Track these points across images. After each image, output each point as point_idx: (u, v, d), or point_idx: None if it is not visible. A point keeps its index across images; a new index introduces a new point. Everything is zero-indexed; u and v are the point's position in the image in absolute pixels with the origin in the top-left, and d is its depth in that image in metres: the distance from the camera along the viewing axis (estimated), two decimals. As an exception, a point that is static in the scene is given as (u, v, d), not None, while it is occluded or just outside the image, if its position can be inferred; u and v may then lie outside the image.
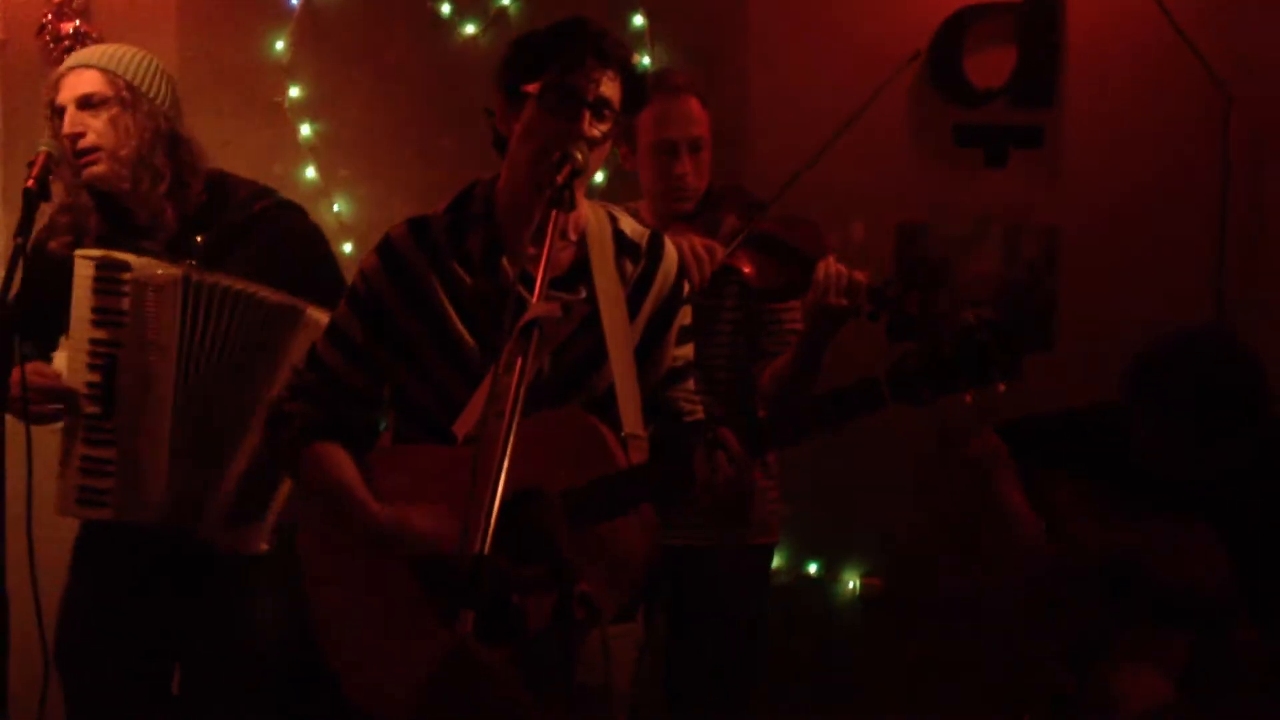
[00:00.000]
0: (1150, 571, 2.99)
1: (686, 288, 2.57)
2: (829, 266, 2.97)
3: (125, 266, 2.91)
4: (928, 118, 4.18)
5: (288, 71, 4.18)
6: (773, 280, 3.16)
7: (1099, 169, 4.16)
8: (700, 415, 2.54)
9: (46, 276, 2.95)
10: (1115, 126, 4.14)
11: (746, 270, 3.17)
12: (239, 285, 2.95)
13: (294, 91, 4.19)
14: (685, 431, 2.45)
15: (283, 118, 4.17)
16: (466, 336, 2.38)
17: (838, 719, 4.12)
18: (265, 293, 2.96)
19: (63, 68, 2.98)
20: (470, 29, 4.16)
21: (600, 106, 2.31)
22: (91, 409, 2.93)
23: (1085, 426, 3.18)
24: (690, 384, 2.55)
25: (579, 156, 2.25)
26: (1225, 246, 4.10)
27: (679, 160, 3.23)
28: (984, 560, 3.73)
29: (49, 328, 2.96)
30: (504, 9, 4.16)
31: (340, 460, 2.41)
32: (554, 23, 2.37)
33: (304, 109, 4.20)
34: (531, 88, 2.32)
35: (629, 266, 2.45)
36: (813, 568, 4.21)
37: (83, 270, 2.89)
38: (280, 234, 3.08)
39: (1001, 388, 2.24)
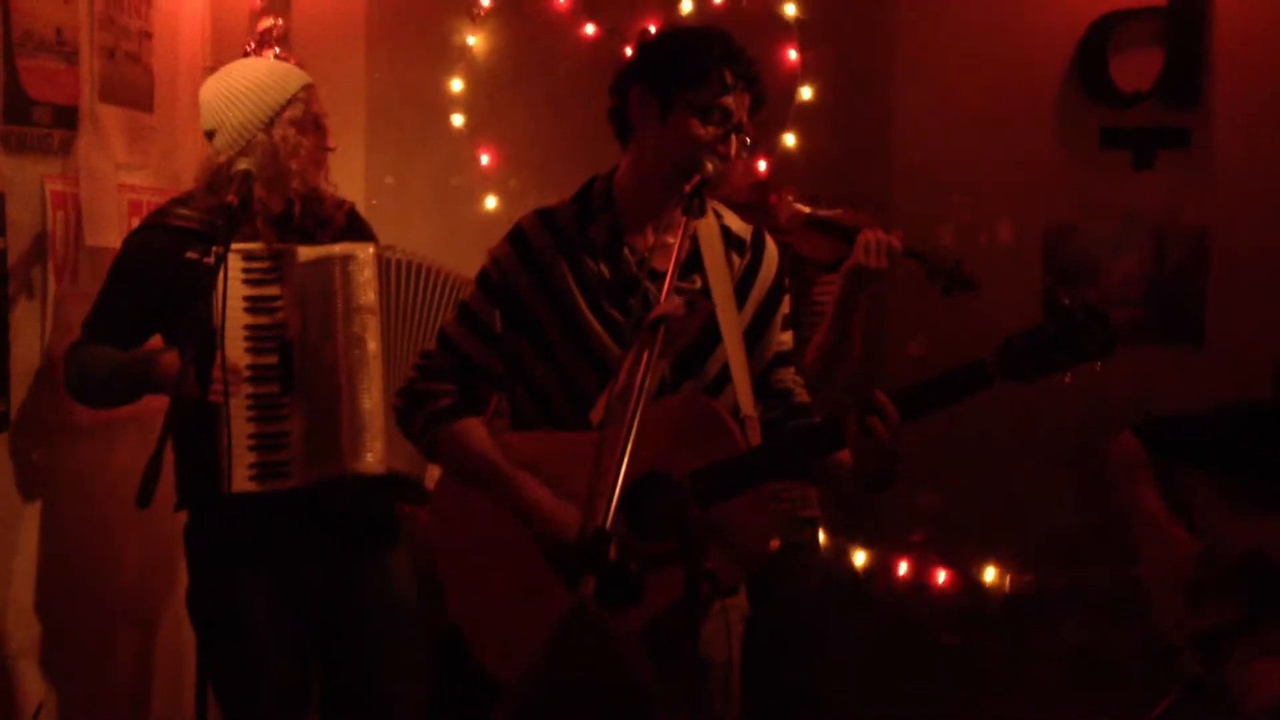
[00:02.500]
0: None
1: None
2: (870, 233, 3.27)
3: (280, 256, 3.11)
4: (1075, 120, 4.25)
5: (459, 101, 4.41)
6: (831, 254, 3.44)
7: (1247, 169, 4.18)
8: (805, 397, 2.67)
9: (176, 275, 3.05)
10: (1264, 127, 4.16)
11: (804, 249, 3.46)
12: (419, 260, 3.21)
13: (462, 118, 4.42)
14: (801, 411, 2.61)
15: (459, 139, 4.40)
16: (594, 323, 2.52)
17: (986, 709, 4.19)
18: (438, 266, 3.23)
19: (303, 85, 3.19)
20: (628, 51, 4.26)
21: (744, 130, 2.48)
22: (266, 389, 3.07)
23: (1225, 424, 3.16)
24: (793, 368, 2.68)
25: (710, 168, 2.42)
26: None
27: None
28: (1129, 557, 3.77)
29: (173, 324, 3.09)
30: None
31: (483, 436, 2.55)
32: (708, 34, 2.48)
33: (478, 131, 4.42)
34: (682, 96, 2.43)
35: (736, 259, 2.60)
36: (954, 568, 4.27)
37: (235, 265, 3.02)
38: (369, 232, 3.33)
39: (1098, 366, 2.32)
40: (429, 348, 2.67)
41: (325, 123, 3.21)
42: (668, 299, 2.27)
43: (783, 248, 2.74)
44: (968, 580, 4.28)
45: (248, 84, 3.13)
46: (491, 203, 4.39)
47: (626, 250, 2.55)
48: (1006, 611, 4.24)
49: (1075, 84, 4.24)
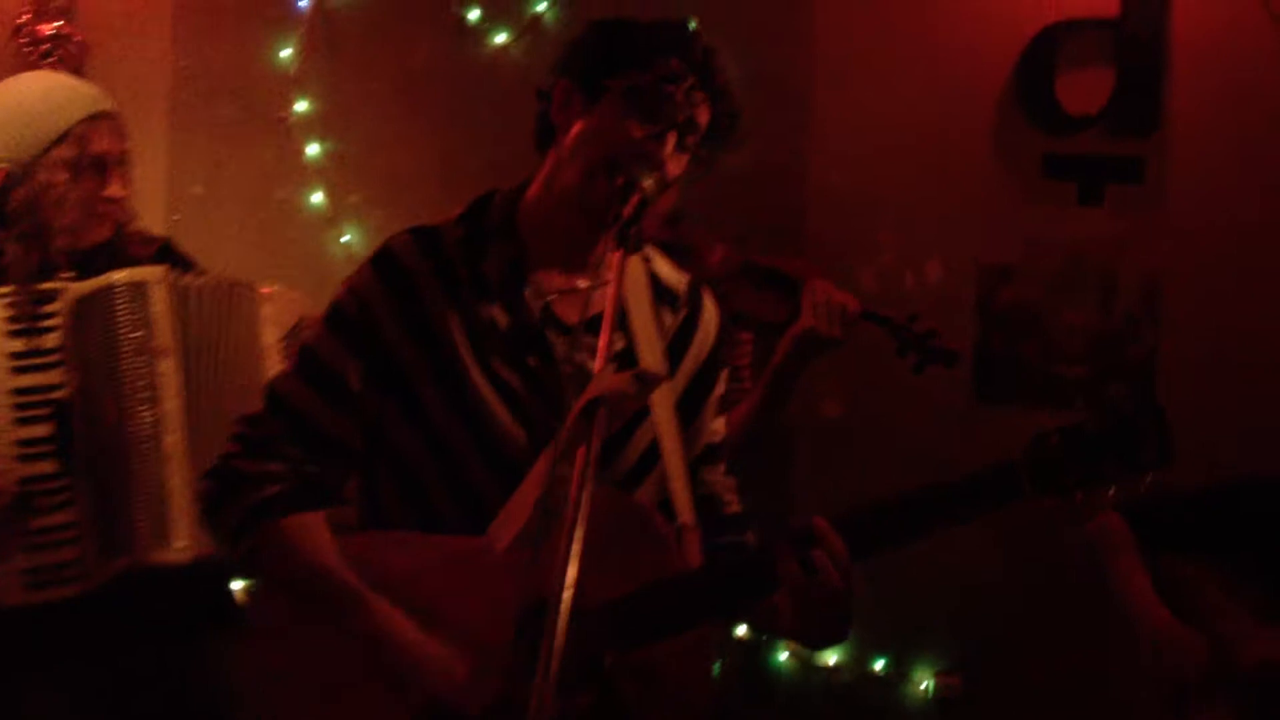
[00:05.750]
0: None
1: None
2: (821, 288, 2.85)
3: (50, 296, 2.58)
4: (1015, 146, 3.77)
5: (294, 83, 3.87)
6: (776, 313, 2.97)
7: (1207, 207, 3.72)
8: (737, 506, 2.13)
9: None
10: (1226, 159, 3.71)
11: (745, 304, 3.00)
12: (233, 282, 2.70)
13: (300, 106, 3.88)
14: (731, 525, 2.08)
15: (287, 135, 3.87)
16: (482, 383, 1.93)
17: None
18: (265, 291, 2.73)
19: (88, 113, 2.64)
20: (501, 38, 3.85)
21: (690, 130, 1.92)
22: (39, 468, 2.56)
23: (1227, 505, 2.74)
24: (724, 465, 2.13)
25: (648, 185, 1.85)
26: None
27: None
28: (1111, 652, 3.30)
29: None
30: (539, 16, 3.85)
31: (326, 541, 1.92)
32: (655, 19, 1.99)
33: (312, 125, 3.87)
34: (616, 82, 1.91)
35: (668, 317, 2.05)
36: (879, 664, 3.75)
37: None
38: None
39: (1149, 478, 1.85)
40: (254, 409, 1.99)
41: (114, 161, 2.64)
42: (604, 372, 1.67)
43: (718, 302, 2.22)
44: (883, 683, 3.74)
45: (9, 108, 2.61)
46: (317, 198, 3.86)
47: (529, 292, 1.96)
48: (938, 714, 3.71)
49: (1016, 104, 3.76)
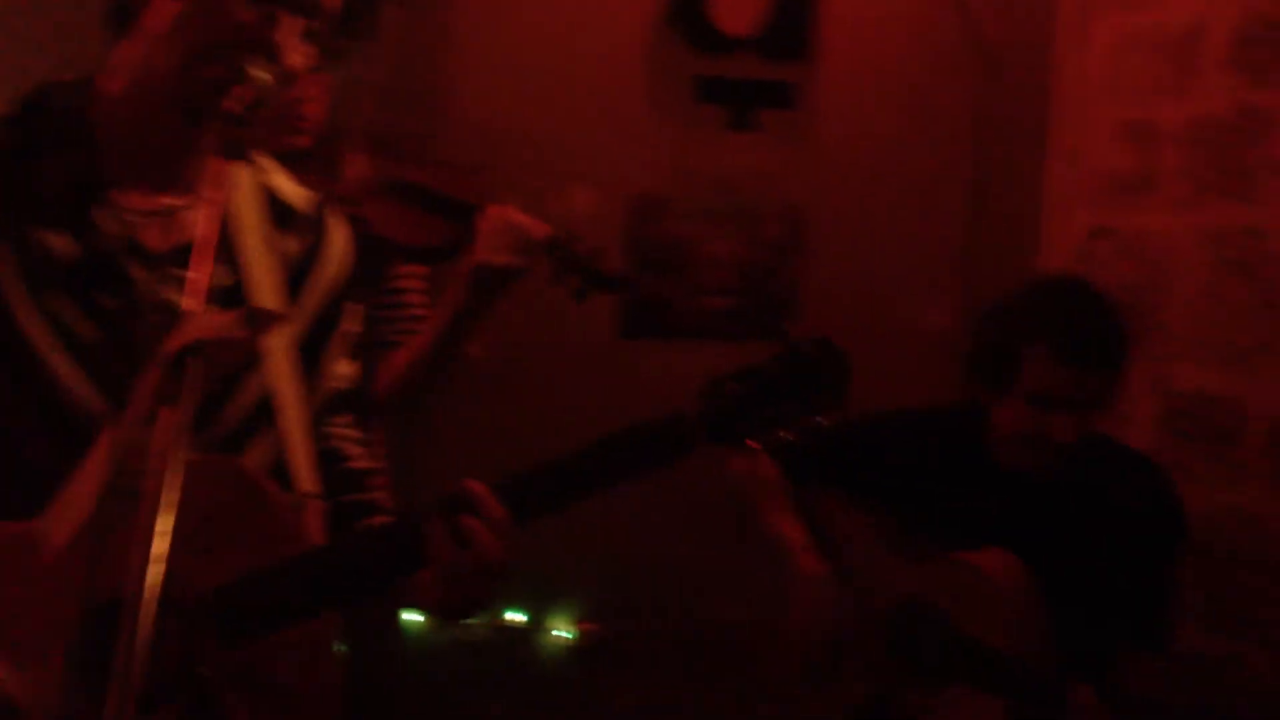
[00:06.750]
0: (944, 624, 2.47)
1: None
2: (498, 216, 2.36)
3: None
4: (667, 67, 3.54)
5: None
6: (432, 237, 2.45)
7: (852, 137, 3.65)
8: (366, 463, 1.82)
9: None
10: (873, 87, 3.65)
11: (390, 228, 2.43)
12: None
13: None
14: (354, 483, 1.75)
15: None
16: (37, 325, 1.51)
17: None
18: None
19: None
20: None
21: (310, 11, 1.53)
22: None
23: (868, 438, 2.64)
24: (351, 417, 1.81)
25: (261, 77, 1.48)
26: (980, 225, 3.65)
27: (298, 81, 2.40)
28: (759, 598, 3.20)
29: None
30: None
31: None
32: None
33: None
34: None
35: (288, 243, 1.70)
36: (517, 617, 3.53)
37: None
38: None
39: (824, 421, 1.72)
40: None
41: None
42: (201, 312, 1.32)
43: (354, 227, 1.82)
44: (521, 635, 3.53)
45: None
46: None
47: (103, 213, 1.54)
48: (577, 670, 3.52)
49: (668, 23, 3.52)
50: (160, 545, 1.18)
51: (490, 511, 1.53)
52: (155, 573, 1.17)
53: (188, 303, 1.35)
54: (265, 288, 1.63)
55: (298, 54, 1.55)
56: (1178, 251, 3.20)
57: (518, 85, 3.43)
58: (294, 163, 2.42)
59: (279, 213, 1.69)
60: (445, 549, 1.53)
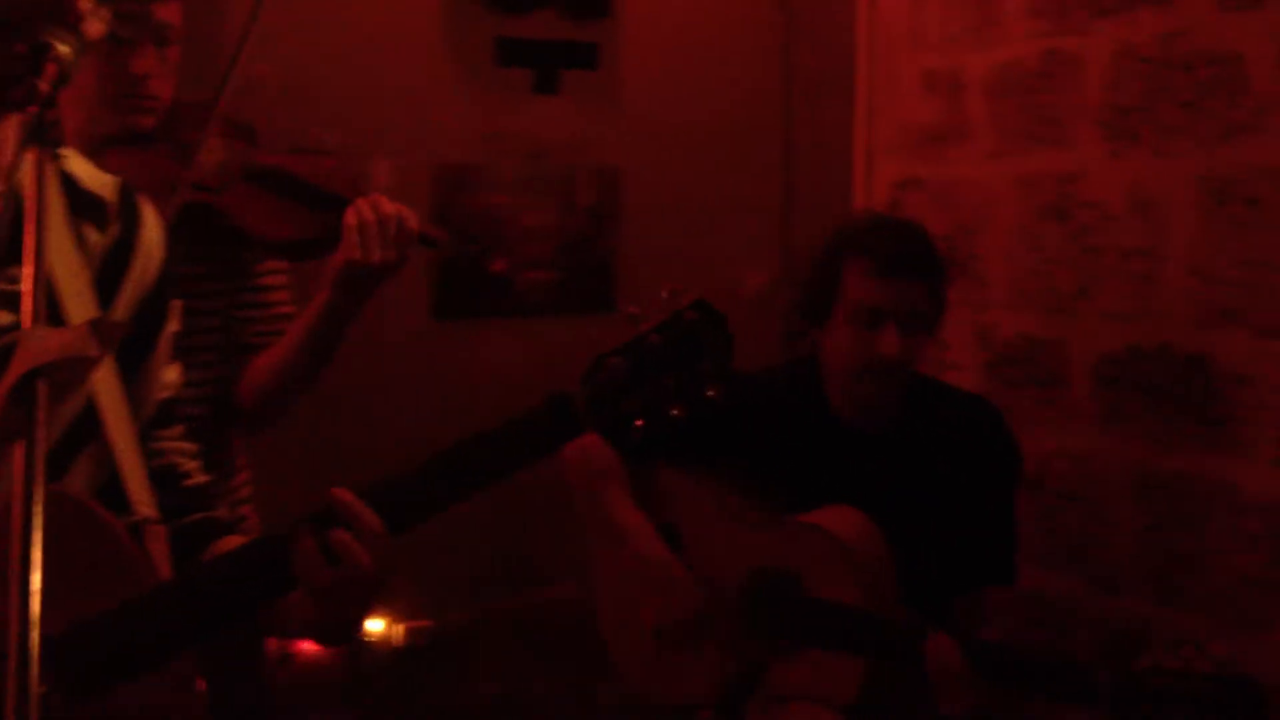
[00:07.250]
0: (796, 588, 2.41)
1: None
2: (369, 207, 2.13)
3: None
4: (467, 29, 3.36)
5: None
6: (297, 230, 2.23)
7: (659, 96, 3.55)
8: (202, 477, 1.63)
9: None
10: (676, 44, 3.56)
11: (250, 219, 2.20)
12: None
13: None
14: (196, 501, 1.57)
15: None
16: None
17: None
18: None
19: None
20: None
21: None
22: None
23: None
24: (180, 428, 1.62)
25: (65, 51, 1.28)
26: (795, 181, 3.61)
27: (139, 54, 2.15)
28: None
29: None
30: None
31: None
32: None
33: None
34: None
35: (93, 235, 1.49)
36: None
37: None
38: None
39: (712, 393, 1.59)
40: None
41: None
42: (36, 332, 1.14)
43: (199, 215, 1.58)
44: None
45: None
46: None
47: None
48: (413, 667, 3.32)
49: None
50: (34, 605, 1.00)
51: (364, 523, 1.38)
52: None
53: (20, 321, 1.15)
54: (72, 291, 1.42)
55: (95, 20, 1.34)
56: (990, 200, 3.21)
57: (311, 51, 3.19)
58: (138, 145, 2.18)
59: (80, 202, 1.48)
60: (316, 567, 1.37)
